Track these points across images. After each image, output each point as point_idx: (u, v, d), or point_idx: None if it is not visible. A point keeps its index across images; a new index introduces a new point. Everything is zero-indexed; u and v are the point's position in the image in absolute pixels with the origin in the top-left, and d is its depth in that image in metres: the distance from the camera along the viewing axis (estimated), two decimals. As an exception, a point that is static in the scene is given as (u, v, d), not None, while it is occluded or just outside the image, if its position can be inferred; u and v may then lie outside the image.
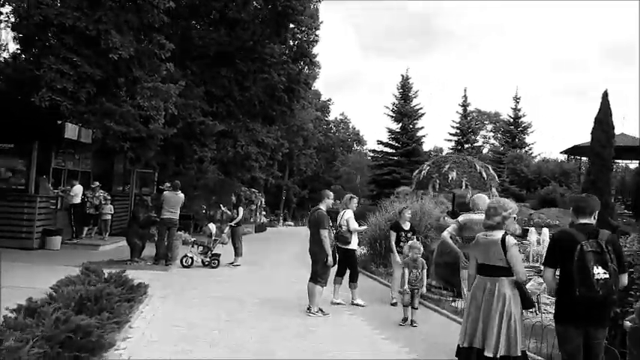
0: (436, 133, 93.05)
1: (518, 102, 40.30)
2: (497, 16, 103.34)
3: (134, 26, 10.57)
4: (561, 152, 26.55)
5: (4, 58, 13.81)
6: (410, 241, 7.80)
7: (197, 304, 7.12)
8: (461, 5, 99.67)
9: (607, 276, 3.32)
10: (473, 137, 41.39)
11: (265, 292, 8.42)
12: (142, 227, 10.92)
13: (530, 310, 4.60)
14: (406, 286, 6.56)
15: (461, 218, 5.60)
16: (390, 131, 33.19)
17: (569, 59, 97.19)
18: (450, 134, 40.25)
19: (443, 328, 6.63)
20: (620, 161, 25.20)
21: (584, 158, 25.50)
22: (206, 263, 10.88)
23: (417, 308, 6.60)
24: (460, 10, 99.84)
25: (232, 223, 11.78)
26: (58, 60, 9.07)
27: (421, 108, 33.94)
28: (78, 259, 10.24)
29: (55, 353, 3.99)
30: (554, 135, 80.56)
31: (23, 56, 12.49)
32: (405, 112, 33.14)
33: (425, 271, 6.62)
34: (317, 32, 23.45)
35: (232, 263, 11.45)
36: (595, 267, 3.33)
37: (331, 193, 7.30)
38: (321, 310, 6.92)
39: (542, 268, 4.47)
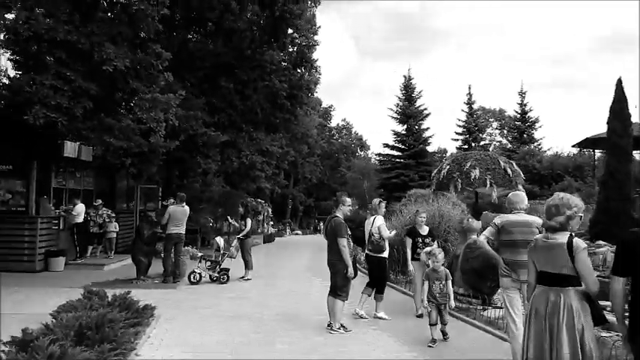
0: (441, 133, 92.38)
1: (524, 97, 39.71)
2: (491, 14, 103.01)
3: (128, 37, 10.15)
4: (573, 146, 25.83)
5: (3, 83, 13.38)
6: (427, 248, 7.28)
7: (208, 325, 6.60)
8: (451, 5, 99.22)
9: None
10: (480, 135, 40.71)
11: (280, 308, 7.90)
12: (147, 244, 10.44)
13: (603, 326, 3.93)
14: (425, 302, 5.89)
15: (497, 220, 5.04)
16: (396, 133, 32.62)
17: (567, 52, 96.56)
18: (457, 133, 39.66)
19: (477, 342, 6.08)
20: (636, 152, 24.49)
21: (597, 151, 24.84)
22: (214, 279, 10.38)
23: (446, 323, 5.94)
24: (451, 9, 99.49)
25: (240, 236, 11.30)
26: (51, 75, 8.64)
27: (426, 108, 33.41)
28: (82, 280, 9.87)
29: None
30: (562, 129, 79.74)
31: (18, 76, 12.15)
32: (410, 113, 32.59)
33: (450, 281, 5.92)
34: (315, 37, 23.13)
35: (243, 277, 10.95)
36: None
37: (348, 199, 6.74)
38: (343, 326, 6.38)
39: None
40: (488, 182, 8.12)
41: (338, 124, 60.53)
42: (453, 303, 5.89)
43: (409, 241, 7.39)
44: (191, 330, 6.35)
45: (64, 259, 11.69)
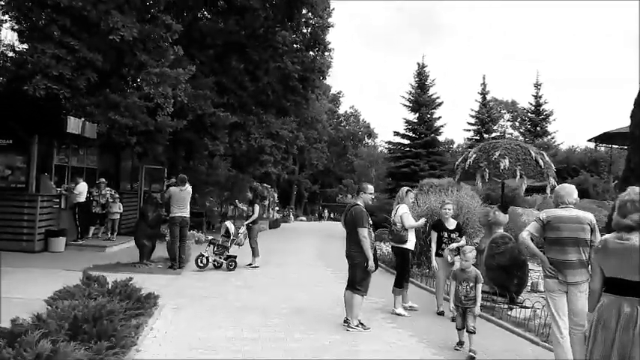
0: (451, 124, 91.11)
1: (539, 89, 38.72)
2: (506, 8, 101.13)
3: (137, 6, 9.56)
4: (589, 140, 25.12)
5: (8, 56, 12.83)
6: (452, 244, 6.74)
7: (214, 318, 6.13)
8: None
9: None
10: (493, 127, 39.83)
11: (291, 300, 7.41)
12: (151, 227, 9.97)
13: None
14: (452, 305, 5.25)
15: (543, 215, 4.50)
16: (407, 121, 31.84)
17: (581, 46, 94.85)
18: (469, 124, 38.74)
19: (506, 344, 5.59)
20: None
21: (614, 146, 24.16)
22: (217, 265, 9.91)
23: (473, 332, 5.04)
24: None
25: (249, 222, 10.81)
26: (54, 44, 8.07)
27: (438, 97, 32.55)
28: (83, 262, 9.43)
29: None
30: (573, 123, 78.45)
31: (20, 46, 11.64)
32: (423, 101, 31.77)
33: (480, 285, 5.18)
34: (329, 19, 22.38)
35: (250, 265, 10.50)
36: None
37: (370, 186, 6.22)
38: (361, 323, 5.88)
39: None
40: (518, 173, 7.53)
41: (346, 112, 59.72)
42: (478, 310, 5.14)
43: (434, 235, 6.84)
44: (197, 322, 5.87)
45: (65, 240, 11.25)
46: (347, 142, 55.32)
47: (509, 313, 6.78)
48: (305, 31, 21.08)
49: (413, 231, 7.03)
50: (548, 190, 8.12)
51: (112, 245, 12.02)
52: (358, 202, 6.06)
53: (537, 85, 38.99)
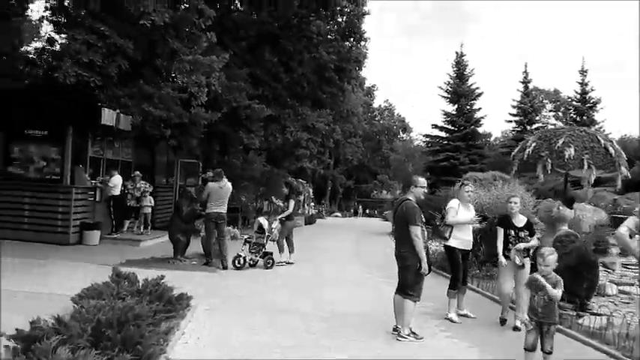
0: (491, 115, 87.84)
1: (585, 75, 36.46)
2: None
3: (168, -10, 9.15)
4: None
5: (48, 50, 12.68)
6: (520, 244, 5.89)
7: (251, 321, 5.62)
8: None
9: None
10: (535, 117, 37.91)
11: (333, 302, 6.84)
12: (186, 222, 9.62)
13: None
14: (526, 317, 4.39)
15: (644, 209, 3.78)
16: (446, 113, 30.63)
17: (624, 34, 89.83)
18: (511, 114, 36.93)
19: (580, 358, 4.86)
20: None
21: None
22: (252, 264, 9.43)
23: (550, 352, 4.26)
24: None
25: (282, 217, 10.32)
26: (84, 30, 7.75)
27: (478, 87, 31.17)
28: (116, 256, 9.18)
29: None
30: (621, 112, 74.32)
31: (56, 38, 11.51)
32: (462, 92, 30.51)
33: (560, 291, 4.28)
34: (364, 7, 21.59)
35: (285, 262, 10.02)
36: None
37: (421, 179, 5.56)
38: (413, 332, 5.25)
39: None
40: (585, 163, 6.69)
41: (380, 106, 58.59)
42: (557, 323, 4.37)
43: (501, 232, 6.03)
44: (232, 326, 5.38)
45: (99, 233, 11.08)
46: (381, 136, 54.23)
47: (579, 321, 6.01)
48: (340, 19, 20.37)
49: (463, 228, 6.29)
50: (619, 182, 7.23)
51: (146, 239, 11.78)
52: (409, 197, 5.42)
53: (583, 72, 36.73)
